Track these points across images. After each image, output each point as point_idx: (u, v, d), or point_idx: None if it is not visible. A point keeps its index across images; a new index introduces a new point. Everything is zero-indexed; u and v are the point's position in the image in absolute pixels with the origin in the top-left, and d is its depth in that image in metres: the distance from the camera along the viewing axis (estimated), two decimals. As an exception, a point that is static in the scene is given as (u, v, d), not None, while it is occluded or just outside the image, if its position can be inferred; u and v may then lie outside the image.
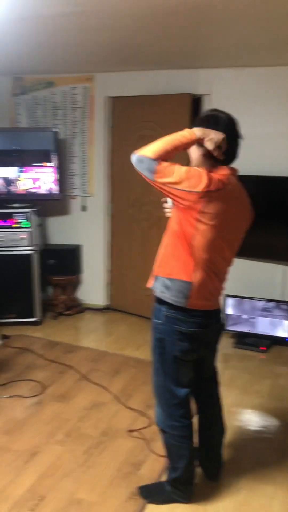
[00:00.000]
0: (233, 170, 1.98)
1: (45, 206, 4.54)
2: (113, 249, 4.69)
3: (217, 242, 1.94)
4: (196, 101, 4.09)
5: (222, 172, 1.92)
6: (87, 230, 4.64)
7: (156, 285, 2.06)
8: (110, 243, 4.68)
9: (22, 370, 3.47)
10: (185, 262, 1.96)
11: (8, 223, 4.18)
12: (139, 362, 3.62)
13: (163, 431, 2.16)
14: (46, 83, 4.49)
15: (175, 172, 1.85)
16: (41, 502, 2.19)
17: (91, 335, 4.26)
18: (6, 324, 4.18)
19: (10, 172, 4.26)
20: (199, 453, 2.32)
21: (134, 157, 1.96)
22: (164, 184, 1.88)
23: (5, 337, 4.00)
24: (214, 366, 2.34)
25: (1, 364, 3.54)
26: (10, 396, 3.10)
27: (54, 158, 4.26)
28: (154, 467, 2.45)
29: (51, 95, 4.49)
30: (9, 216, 4.19)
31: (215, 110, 2.02)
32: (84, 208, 4.63)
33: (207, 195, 1.83)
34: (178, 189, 1.85)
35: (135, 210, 4.46)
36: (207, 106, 4.05)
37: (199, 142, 1.93)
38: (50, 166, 4.28)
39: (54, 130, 4.27)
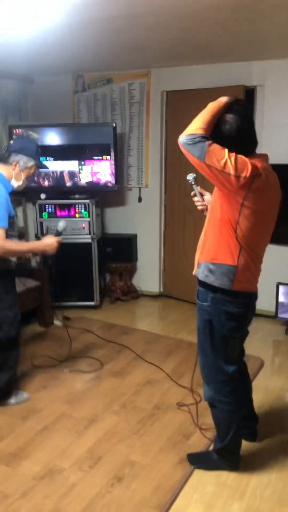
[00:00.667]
0: (265, 156, 2.08)
1: (104, 197, 4.80)
2: (166, 238, 4.87)
3: (259, 226, 2.07)
4: (249, 92, 4.17)
5: (255, 159, 2.00)
6: (142, 220, 4.85)
7: (199, 271, 2.21)
8: (164, 232, 4.87)
9: (82, 348, 3.75)
10: (230, 246, 2.07)
11: (70, 213, 4.47)
12: (191, 345, 3.79)
13: (212, 405, 2.31)
14: (105, 80, 4.73)
15: (225, 156, 1.89)
16: (99, 461, 2.44)
17: (146, 319, 4.48)
18: (68, 307, 4.49)
19: (72, 165, 4.54)
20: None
21: (184, 138, 1.97)
22: (211, 166, 1.91)
23: (66, 318, 4.30)
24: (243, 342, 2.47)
25: (63, 343, 3.84)
26: (72, 371, 3.38)
27: (113, 152, 4.49)
28: (202, 439, 2.62)
29: (110, 91, 4.72)
30: (71, 206, 4.48)
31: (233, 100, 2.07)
32: (140, 199, 4.84)
33: (252, 180, 1.94)
34: (226, 172, 1.90)
35: (189, 200, 4.60)
36: (260, 97, 4.12)
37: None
38: (109, 159, 4.52)
39: (112, 125, 4.50)
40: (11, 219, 2.67)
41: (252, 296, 2.21)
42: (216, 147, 1.92)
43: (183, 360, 3.57)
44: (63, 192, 4.60)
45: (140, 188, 4.80)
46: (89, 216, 4.48)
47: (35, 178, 4.52)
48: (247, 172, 1.92)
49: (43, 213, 4.54)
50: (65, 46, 3.48)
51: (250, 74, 4.10)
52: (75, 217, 4.48)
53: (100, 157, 4.52)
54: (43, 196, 4.56)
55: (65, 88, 4.89)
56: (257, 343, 3.86)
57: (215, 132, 1.99)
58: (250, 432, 2.57)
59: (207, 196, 2.46)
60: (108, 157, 4.51)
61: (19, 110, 4.97)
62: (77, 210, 4.50)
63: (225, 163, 1.90)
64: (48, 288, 4.18)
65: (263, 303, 4.32)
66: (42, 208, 4.53)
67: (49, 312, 4.25)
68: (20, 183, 2.74)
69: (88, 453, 2.50)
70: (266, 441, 2.60)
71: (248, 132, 2.04)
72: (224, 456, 2.36)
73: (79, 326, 4.18)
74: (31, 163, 2.73)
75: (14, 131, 4.54)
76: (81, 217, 4.51)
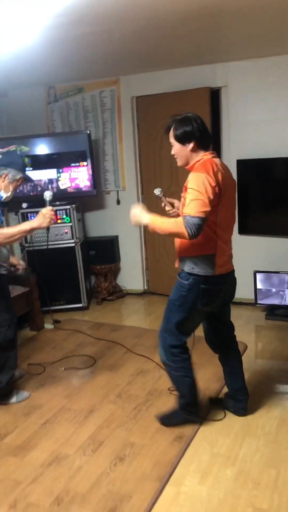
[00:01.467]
0: (214, 153, 2.47)
1: (83, 202, 4.98)
2: (147, 237, 5.08)
3: (227, 215, 2.42)
4: (215, 93, 4.41)
5: (208, 156, 2.40)
6: (122, 221, 5.04)
7: (184, 264, 2.50)
8: (144, 232, 5.08)
9: (74, 348, 3.93)
10: (208, 239, 2.40)
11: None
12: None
13: (168, 365, 2.63)
14: (76, 89, 4.92)
15: (199, 204, 2.23)
16: (101, 446, 2.62)
17: (133, 316, 4.68)
18: (57, 311, 4.65)
19: (50, 173, 4.72)
20: (230, 393, 2.86)
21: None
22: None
23: (56, 321, 4.47)
24: (229, 317, 2.82)
25: (56, 344, 4.01)
26: (66, 369, 3.55)
27: (89, 158, 4.68)
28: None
29: (82, 100, 4.91)
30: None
31: (185, 113, 2.46)
32: (118, 202, 5.03)
33: (218, 184, 2.30)
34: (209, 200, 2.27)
35: (165, 199, 4.83)
36: (225, 97, 4.37)
37: (183, 142, 2.40)
38: (86, 165, 4.71)
39: (86, 132, 4.69)
40: (-1, 225, 2.84)
41: (228, 275, 2.55)
42: (198, 210, 2.24)
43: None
44: (44, 200, 4.75)
45: (118, 191, 5.00)
46: (70, 221, 4.66)
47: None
48: (213, 184, 2.27)
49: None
50: (37, 62, 3.66)
51: (214, 76, 4.34)
52: (57, 223, 4.65)
53: (77, 164, 4.71)
54: (24, 205, 4.71)
55: (38, 99, 5.06)
56: (239, 329, 4.07)
57: (188, 136, 2.38)
58: (241, 406, 2.81)
59: (176, 203, 2.78)
60: (85, 163, 4.70)
61: (-6, 124, 5.12)
62: (58, 216, 4.66)
63: (204, 201, 2.24)
64: (37, 293, 4.34)
65: (243, 291, 4.58)
66: (24, 217, 4.68)
67: (40, 316, 4.41)
68: (9, 194, 2.92)
69: (90, 439, 2.68)
70: (255, 414, 2.82)
71: (207, 132, 2.46)
72: (187, 409, 2.70)
73: (70, 327, 4.35)
74: (19, 176, 2.91)
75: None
76: (63, 223, 4.68)
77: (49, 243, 4.62)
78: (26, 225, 2.74)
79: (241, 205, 4.52)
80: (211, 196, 2.25)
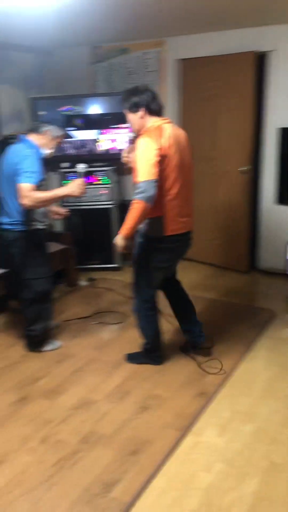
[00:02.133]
0: (167, 119, 2.73)
1: (122, 164, 5.01)
2: (184, 202, 5.10)
3: (180, 177, 2.66)
4: (260, 58, 4.31)
5: (154, 121, 2.67)
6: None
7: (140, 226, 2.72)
8: (181, 197, 5.09)
9: (107, 305, 4.07)
10: (156, 202, 2.59)
11: (90, 180, 4.72)
12: (207, 300, 4.09)
13: (138, 313, 2.95)
14: (121, 50, 4.89)
15: (144, 170, 2.50)
16: (127, 395, 2.77)
17: (165, 279, 4.77)
18: (92, 270, 4.80)
19: (90, 134, 4.77)
20: (186, 332, 3.17)
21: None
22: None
23: (91, 279, 4.62)
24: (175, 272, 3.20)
25: (89, 300, 4.16)
26: (98, 323, 3.70)
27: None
28: (219, 375, 2.93)
29: (126, 61, 4.89)
30: (91, 174, 4.73)
31: (135, 85, 2.80)
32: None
33: (159, 151, 2.53)
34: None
35: (204, 165, 4.81)
36: (273, 62, 4.26)
37: (133, 110, 2.69)
38: (126, 127, 4.72)
39: (129, 94, 4.68)
40: (42, 182, 2.94)
41: (182, 235, 2.78)
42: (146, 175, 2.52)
43: (199, 313, 3.84)
44: (83, 161, 4.83)
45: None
46: (109, 183, 4.73)
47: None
48: (156, 153, 2.52)
49: (65, 181, 4.81)
50: (82, 19, 3.65)
51: (262, 39, 4.22)
52: (95, 184, 4.73)
53: (117, 126, 4.74)
54: (65, 164, 4.81)
55: (83, 59, 5.07)
56: (269, 299, 4.13)
57: (136, 105, 2.67)
58: (195, 335, 3.12)
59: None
60: (125, 125, 4.72)
61: (38, 83, 5.18)
62: (97, 178, 4.74)
63: (147, 168, 2.50)
64: (73, 251, 4.48)
65: (275, 261, 4.59)
66: (64, 176, 4.79)
67: (75, 273, 4.57)
68: (50, 150, 3.01)
69: (117, 388, 2.84)
70: (278, 378, 2.90)
71: (155, 100, 2.73)
72: (149, 354, 3.05)
73: (103, 286, 4.49)
74: (60, 132, 3.00)
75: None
76: (101, 184, 4.75)
77: (87, 203, 4.72)
78: (59, 191, 2.96)
79: (282, 175, 4.48)
80: (155, 159, 2.49)
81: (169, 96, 4.79)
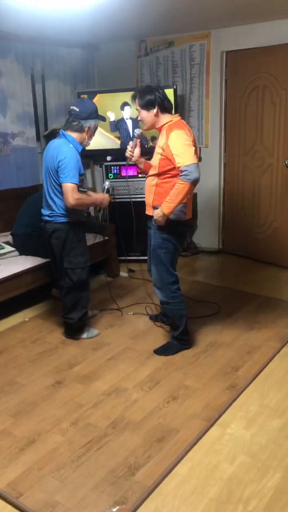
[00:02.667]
0: (178, 116, 2.96)
1: (125, 158, 5.03)
2: (226, 195, 5.07)
3: None
4: (309, 48, 4.19)
5: (170, 117, 2.90)
6: (202, 178, 4.94)
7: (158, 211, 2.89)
8: (224, 190, 5.07)
9: (144, 296, 4.14)
10: None
11: (133, 173, 4.79)
12: (246, 295, 4.07)
13: (167, 303, 3.07)
14: (167, 43, 4.91)
15: (187, 155, 2.75)
16: (157, 384, 2.83)
17: (205, 272, 4.78)
18: (132, 261, 4.88)
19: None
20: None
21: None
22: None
23: (131, 270, 4.71)
24: None
25: (128, 291, 4.25)
26: (135, 313, 3.78)
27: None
28: (250, 369, 2.93)
29: (171, 54, 4.90)
30: (134, 167, 4.78)
31: (147, 84, 3.01)
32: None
33: (192, 142, 2.84)
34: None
35: (248, 158, 4.77)
36: None
37: (147, 108, 2.87)
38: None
39: (173, 87, 4.69)
40: (82, 177, 3.04)
41: (190, 219, 3.07)
42: (190, 160, 2.76)
43: (237, 306, 3.85)
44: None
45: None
46: (151, 176, 4.77)
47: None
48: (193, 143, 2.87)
49: (109, 174, 4.91)
50: (128, 13, 3.70)
51: (309, 29, 4.11)
52: (138, 177, 4.79)
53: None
54: (109, 158, 4.91)
55: (129, 53, 5.13)
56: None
57: (151, 103, 2.85)
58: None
59: (142, 158, 3.27)
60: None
61: (86, 77, 5.30)
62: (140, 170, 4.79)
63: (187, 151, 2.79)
64: (115, 243, 4.58)
65: None
66: (108, 170, 4.89)
67: (116, 264, 4.67)
68: (91, 141, 3.13)
69: (148, 378, 2.91)
70: (309, 375, 2.86)
71: (167, 99, 2.93)
72: (181, 339, 3.16)
73: (142, 277, 4.56)
74: (97, 122, 3.10)
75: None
76: (144, 176, 4.80)
77: (129, 195, 4.80)
78: (97, 197, 3.27)
79: None
80: (193, 147, 2.77)
81: (213, 88, 4.77)
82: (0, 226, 4.50)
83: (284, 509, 1.92)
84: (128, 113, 4.81)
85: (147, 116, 2.91)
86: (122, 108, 4.79)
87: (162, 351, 3.18)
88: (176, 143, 2.77)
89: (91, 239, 4.17)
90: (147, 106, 2.87)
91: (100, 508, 1.96)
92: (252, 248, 4.94)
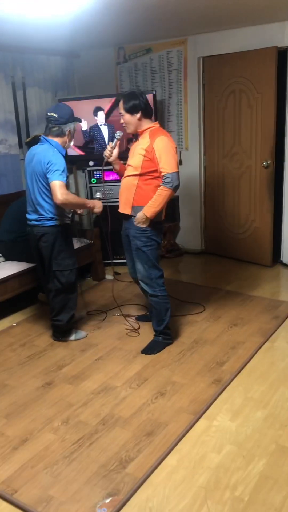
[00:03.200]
0: (157, 123, 3.15)
1: (102, 158, 5.12)
2: (206, 197, 5.19)
3: None
4: (282, 53, 4.33)
5: (152, 123, 3.09)
6: (183, 181, 5.16)
7: (137, 212, 3.05)
8: (204, 192, 5.19)
9: (131, 298, 4.22)
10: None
11: (116, 178, 4.87)
12: (228, 293, 4.18)
13: (156, 296, 3.19)
14: (145, 50, 5.02)
15: (171, 163, 2.95)
16: (145, 381, 2.91)
17: (189, 273, 4.89)
18: (118, 264, 4.94)
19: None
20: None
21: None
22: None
23: (116, 273, 4.78)
24: None
25: (114, 293, 4.32)
26: (121, 315, 3.86)
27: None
28: (234, 364, 3.03)
29: (150, 60, 5.01)
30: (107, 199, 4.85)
31: (131, 89, 3.26)
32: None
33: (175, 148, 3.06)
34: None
35: (227, 160, 4.89)
36: (293, 57, 4.28)
37: (132, 112, 3.01)
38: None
39: (153, 92, 4.80)
40: (67, 179, 3.11)
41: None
42: (172, 167, 2.97)
43: (221, 304, 3.96)
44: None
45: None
46: (133, 180, 4.85)
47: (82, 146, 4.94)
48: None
49: (92, 179, 4.99)
50: (106, 21, 3.79)
51: (283, 35, 4.25)
52: (118, 181, 4.86)
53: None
54: (91, 163, 4.98)
55: (108, 60, 5.23)
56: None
57: (136, 107, 2.99)
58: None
59: (118, 163, 3.35)
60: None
61: (67, 84, 5.38)
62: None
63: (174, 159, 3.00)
64: (100, 246, 4.65)
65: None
66: (91, 174, 4.97)
67: (101, 267, 4.74)
68: (72, 143, 3.25)
69: (136, 375, 2.98)
70: (291, 367, 2.97)
71: (149, 105, 3.11)
72: (166, 332, 3.29)
73: (128, 280, 4.61)
74: (75, 124, 3.20)
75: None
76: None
77: (113, 200, 4.87)
78: (87, 201, 3.34)
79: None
80: (176, 155, 2.97)
81: (191, 93, 4.89)
82: (-16, 233, 4.53)
83: (269, 493, 2.01)
84: (102, 119, 4.88)
85: (131, 119, 3.04)
86: (95, 113, 4.86)
87: (149, 350, 3.26)
88: (162, 149, 2.94)
89: (76, 243, 4.23)
90: (131, 110, 3.01)
91: (94, 501, 2.03)
92: (233, 248, 5.07)
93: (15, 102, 4.82)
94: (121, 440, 2.41)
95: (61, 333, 3.46)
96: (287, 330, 3.48)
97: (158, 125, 3.12)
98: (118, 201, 3.25)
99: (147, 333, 3.51)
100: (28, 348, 3.42)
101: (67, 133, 3.14)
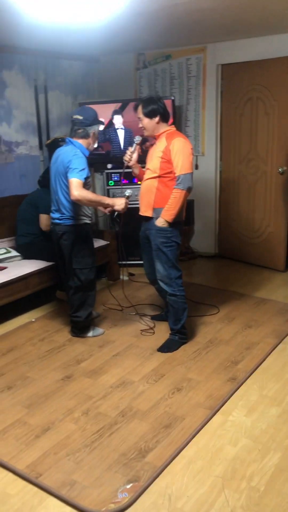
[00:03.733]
0: (172, 126, 3.25)
1: (122, 163, 5.22)
2: (221, 202, 5.28)
3: None
4: (300, 62, 4.43)
5: (168, 126, 3.19)
6: (199, 186, 5.27)
7: (158, 213, 3.16)
8: (220, 197, 5.27)
9: (145, 297, 4.31)
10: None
11: (134, 180, 4.98)
12: (242, 296, 4.25)
13: (175, 295, 3.26)
14: (164, 56, 5.14)
15: (186, 164, 3.07)
16: (162, 377, 3.00)
17: (203, 276, 4.97)
18: (132, 265, 5.05)
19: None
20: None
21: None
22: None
23: (131, 274, 4.88)
24: None
25: (129, 293, 4.41)
26: (136, 314, 3.95)
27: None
28: (249, 363, 3.11)
29: (169, 67, 5.13)
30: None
31: (150, 94, 3.53)
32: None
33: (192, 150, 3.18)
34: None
35: (243, 166, 4.98)
36: (310, 66, 4.37)
37: (150, 117, 3.13)
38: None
39: (171, 98, 4.90)
40: (88, 179, 3.22)
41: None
42: (187, 169, 3.10)
43: (235, 306, 4.04)
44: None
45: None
46: (150, 183, 4.95)
47: (101, 148, 5.06)
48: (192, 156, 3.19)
49: (110, 181, 5.09)
50: (128, 30, 3.92)
51: (300, 44, 4.35)
52: (138, 184, 4.97)
53: (160, 129, 4.96)
54: (109, 166, 5.09)
55: (128, 66, 5.35)
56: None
57: (154, 112, 3.11)
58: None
59: (137, 167, 3.45)
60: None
61: (86, 88, 5.51)
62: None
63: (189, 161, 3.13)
64: (115, 247, 4.75)
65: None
66: (109, 177, 5.07)
67: (116, 268, 4.84)
68: (95, 145, 3.35)
69: (153, 371, 3.07)
70: (304, 368, 3.04)
71: (167, 109, 3.21)
72: (182, 332, 3.37)
73: (142, 280, 4.72)
74: (100, 126, 3.31)
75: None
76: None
77: (130, 202, 4.97)
78: (106, 199, 3.32)
79: None
80: (192, 156, 3.09)
81: (209, 99, 4.99)
82: (4, 231, 4.64)
83: (285, 484, 2.09)
84: (119, 122, 4.97)
85: (149, 123, 3.15)
86: (112, 116, 4.94)
87: (166, 348, 3.34)
88: (177, 150, 3.05)
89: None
90: (150, 115, 3.12)
91: (115, 486, 2.11)
92: (247, 253, 5.14)
93: (37, 105, 4.95)
94: (140, 431, 2.49)
95: (79, 329, 3.56)
96: (300, 333, 3.56)
97: (174, 128, 3.23)
98: (137, 204, 3.35)
99: (162, 332, 3.59)
100: (47, 343, 3.52)
101: (91, 134, 3.25)
